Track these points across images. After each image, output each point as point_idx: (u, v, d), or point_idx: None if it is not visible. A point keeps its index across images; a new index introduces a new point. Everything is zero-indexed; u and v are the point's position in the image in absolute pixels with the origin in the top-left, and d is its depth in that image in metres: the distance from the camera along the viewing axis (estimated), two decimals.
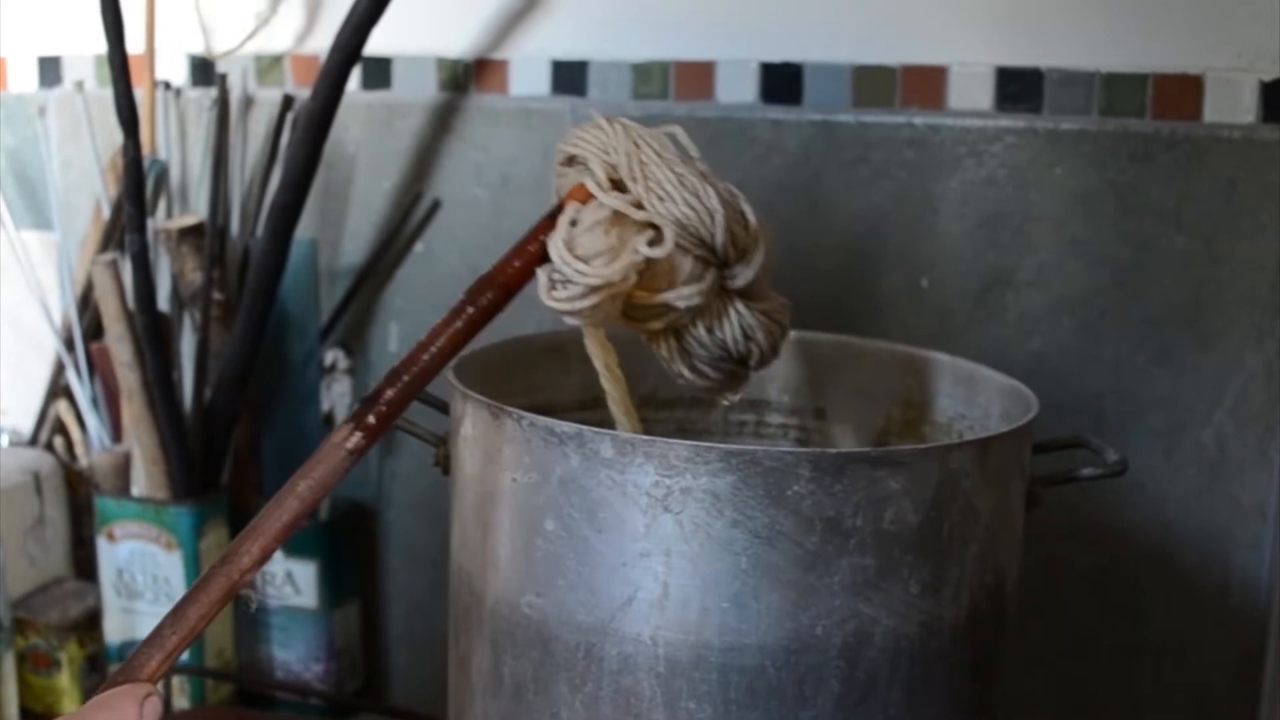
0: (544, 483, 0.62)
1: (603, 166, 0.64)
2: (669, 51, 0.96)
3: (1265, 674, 0.86)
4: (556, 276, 0.63)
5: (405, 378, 0.60)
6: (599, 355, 0.69)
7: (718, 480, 0.59)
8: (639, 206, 0.63)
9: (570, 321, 0.64)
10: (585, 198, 0.63)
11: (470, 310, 0.62)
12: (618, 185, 0.64)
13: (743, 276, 0.66)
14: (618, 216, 0.63)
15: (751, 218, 0.66)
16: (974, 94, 0.90)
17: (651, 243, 0.63)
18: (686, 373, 0.69)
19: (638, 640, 0.61)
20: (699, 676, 0.61)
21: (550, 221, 0.64)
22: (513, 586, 0.64)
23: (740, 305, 0.67)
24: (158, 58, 1.05)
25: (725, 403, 0.74)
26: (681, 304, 0.65)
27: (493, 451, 0.64)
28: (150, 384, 0.97)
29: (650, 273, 0.63)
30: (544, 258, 0.63)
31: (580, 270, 0.62)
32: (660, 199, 0.63)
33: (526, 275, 0.63)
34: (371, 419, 0.59)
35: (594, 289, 0.62)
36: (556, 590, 0.62)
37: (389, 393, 0.59)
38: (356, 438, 0.58)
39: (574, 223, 0.63)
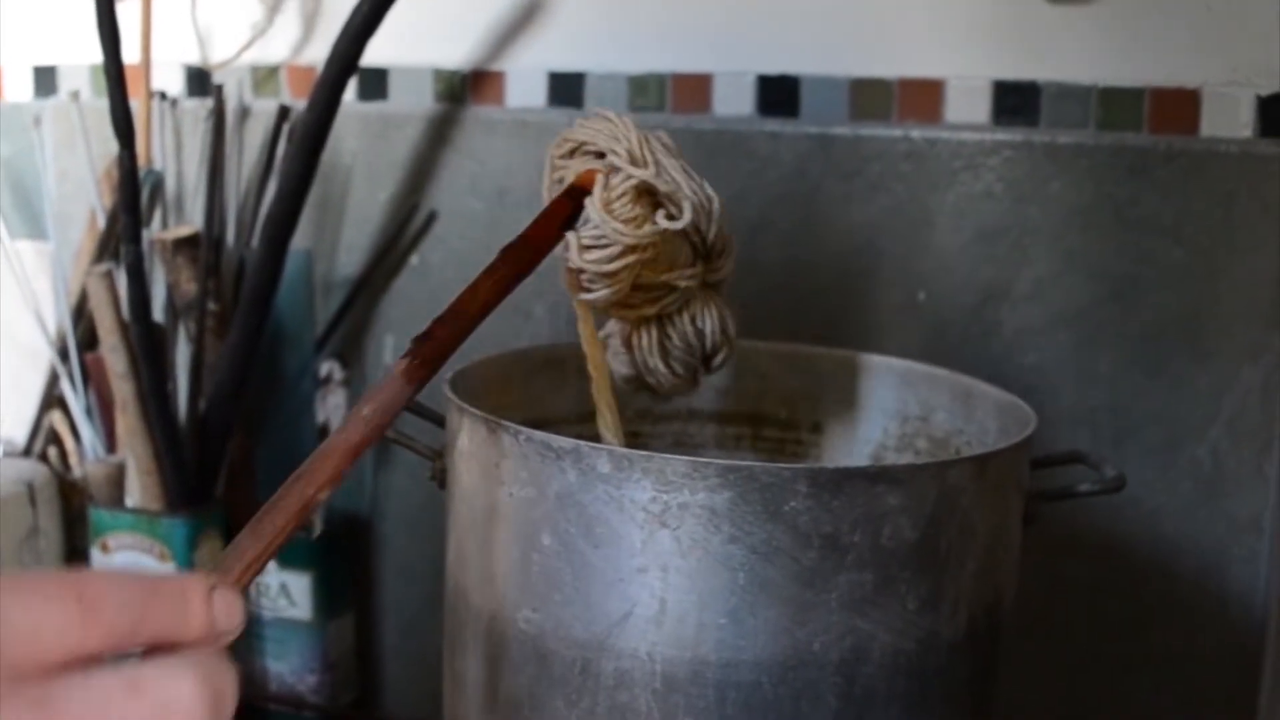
0: (541, 498, 0.62)
1: (622, 148, 0.66)
2: (666, 63, 0.96)
3: (1262, 687, 0.86)
4: (589, 240, 0.66)
5: (455, 321, 0.62)
6: (590, 343, 0.72)
7: (715, 496, 0.59)
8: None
9: (591, 295, 0.67)
10: (605, 175, 0.67)
11: (506, 267, 0.64)
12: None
13: (724, 269, 0.71)
14: (639, 192, 0.66)
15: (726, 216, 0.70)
16: (971, 107, 0.90)
17: (669, 217, 0.66)
18: (660, 366, 0.72)
19: (634, 656, 0.61)
20: (695, 693, 0.60)
21: (567, 197, 0.67)
22: (509, 601, 0.64)
23: (719, 299, 0.72)
24: (154, 68, 1.05)
25: (666, 403, 0.79)
26: (682, 284, 0.69)
27: (489, 466, 0.64)
28: (145, 395, 0.97)
29: (655, 252, 0.67)
30: (567, 226, 0.66)
31: (619, 230, 0.65)
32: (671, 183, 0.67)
33: (554, 240, 0.66)
34: (427, 352, 0.60)
35: (630, 249, 0.65)
36: (553, 605, 0.62)
37: (440, 332, 0.61)
38: (414, 365, 0.59)
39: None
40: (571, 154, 0.68)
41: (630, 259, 0.66)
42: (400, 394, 0.58)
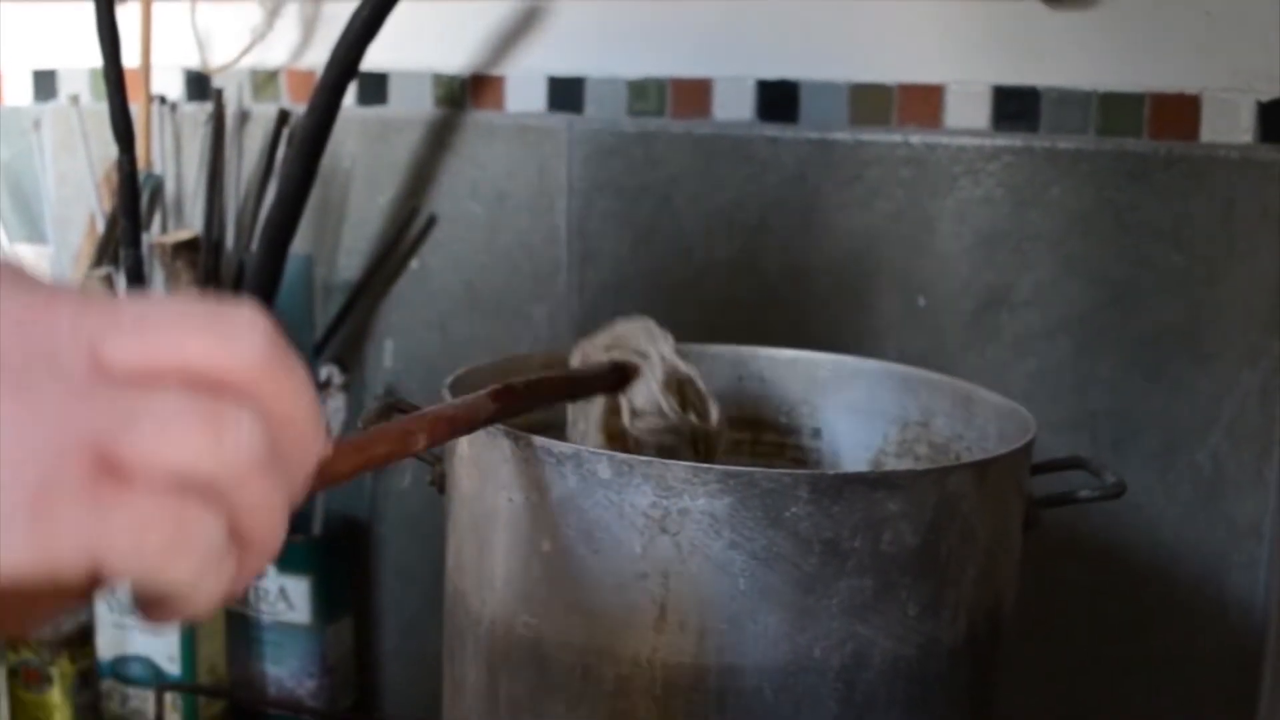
0: (541, 503, 0.62)
1: (666, 346, 0.72)
2: (665, 68, 0.96)
3: (1261, 691, 0.86)
4: (640, 407, 0.71)
5: (532, 388, 0.65)
6: None
7: (715, 501, 0.58)
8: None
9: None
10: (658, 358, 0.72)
11: (560, 384, 0.71)
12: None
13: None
14: (679, 385, 0.72)
15: None
16: (971, 113, 0.90)
17: (700, 416, 0.72)
18: None
19: (634, 662, 0.61)
20: (696, 698, 0.60)
21: (617, 372, 0.71)
22: (509, 607, 0.64)
23: None
24: (153, 72, 1.05)
25: None
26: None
27: (489, 471, 0.64)
28: None
29: (675, 442, 0.72)
30: (614, 389, 0.71)
31: (675, 409, 0.70)
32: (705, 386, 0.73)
33: (601, 390, 0.72)
34: (506, 394, 0.61)
35: (677, 429, 0.70)
36: (553, 611, 0.62)
37: (519, 387, 0.63)
38: (497, 392, 0.61)
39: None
40: (606, 349, 0.72)
41: (674, 437, 0.70)
42: (484, 406, 0.59)
